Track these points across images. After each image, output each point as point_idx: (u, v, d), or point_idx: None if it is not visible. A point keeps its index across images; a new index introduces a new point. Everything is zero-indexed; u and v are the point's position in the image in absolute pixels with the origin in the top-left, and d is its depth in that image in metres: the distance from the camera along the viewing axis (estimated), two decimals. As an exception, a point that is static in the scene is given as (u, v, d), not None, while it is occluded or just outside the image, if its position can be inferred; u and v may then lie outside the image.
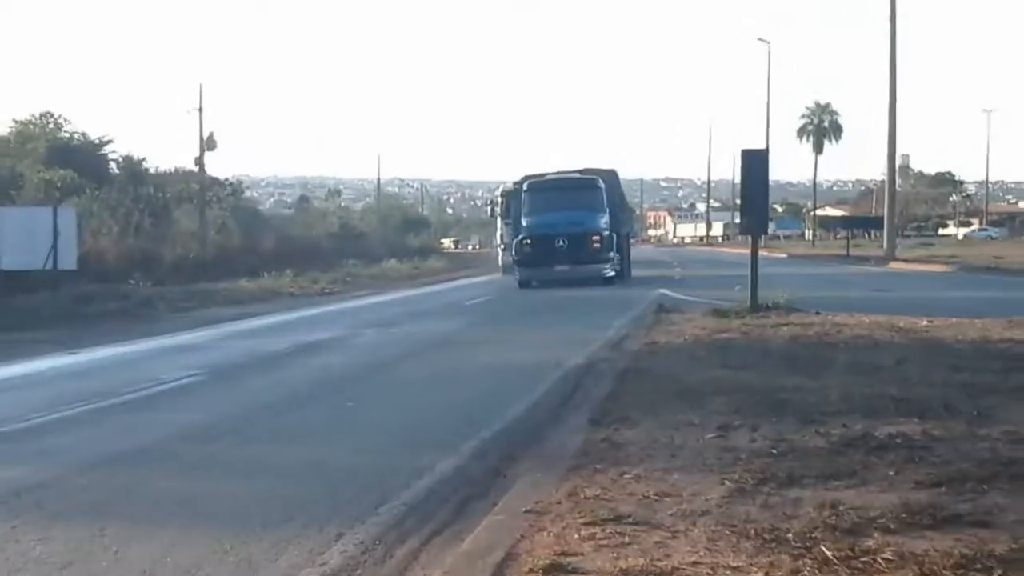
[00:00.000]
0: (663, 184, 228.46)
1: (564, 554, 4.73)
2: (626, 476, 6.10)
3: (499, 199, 35.52)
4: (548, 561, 4.60)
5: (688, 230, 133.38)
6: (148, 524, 5.74)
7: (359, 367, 13.04)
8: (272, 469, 7.17)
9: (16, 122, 46.44)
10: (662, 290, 24.55)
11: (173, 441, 8.20)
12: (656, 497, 5.61)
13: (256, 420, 9.26)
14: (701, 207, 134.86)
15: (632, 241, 42.17)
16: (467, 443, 7.73)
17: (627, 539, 4.90)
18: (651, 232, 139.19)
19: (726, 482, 5.80)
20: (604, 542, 4.87)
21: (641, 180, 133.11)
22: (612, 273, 29.13)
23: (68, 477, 6.95)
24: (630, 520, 5.19)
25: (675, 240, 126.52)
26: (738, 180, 24.79)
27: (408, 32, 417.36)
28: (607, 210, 29.82)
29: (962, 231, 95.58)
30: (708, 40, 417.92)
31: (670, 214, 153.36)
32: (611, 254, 29.24)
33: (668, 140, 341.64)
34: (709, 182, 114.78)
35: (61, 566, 5.13)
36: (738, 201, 25.33)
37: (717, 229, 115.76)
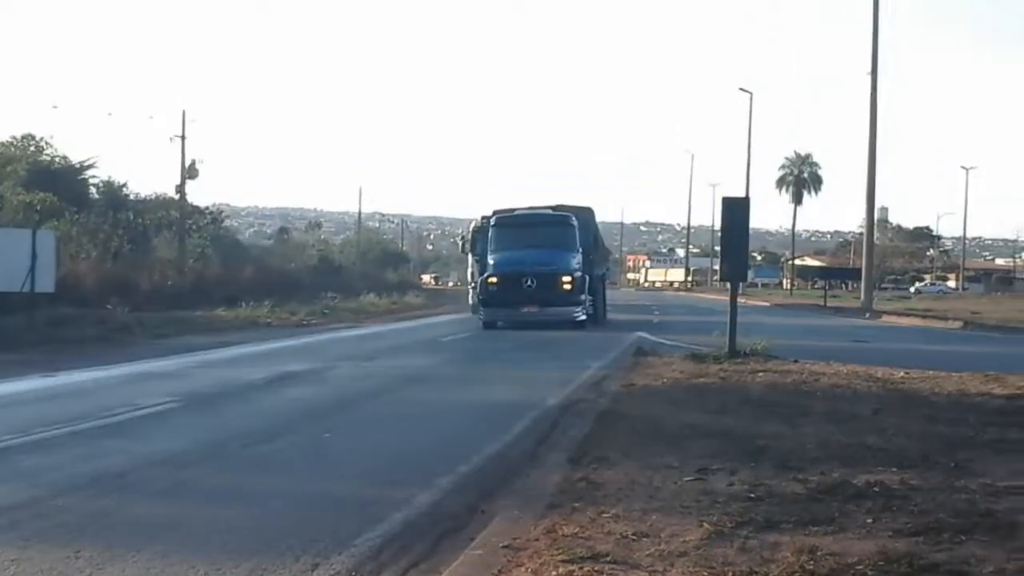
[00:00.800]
0: (643, 228, 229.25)
1: (542, 591, 4.74)
2: (604, 515, 6.11)
3: (469, 234, 34.69)
4: (526, 597, 4.61)
5: (659, 275, 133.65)
6: (123, 548, 5.69)
7: (335, 399, 13.00)
8: (248, 497, 7.13)
9: (-4, 143, 46.11)
10: (640, 333, 24.60)
11: (149, 466, 8.14)
12: (634, 537, 5.62)
13: (232, 448, 9.20)
14: (680, 252, 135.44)
15: (609, 283, 41.64)
16: (445, 478, 7.72)
17: (605, 578, 4.91)
18: (630, 276, 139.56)
19: (704, 524, 5.81)
20: (582, 580, 4.87)
21: (621, 224, 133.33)
22: (583, 317, 27.60)
23: (43, 499, 6.89)
24: (608, 559, 5.20)
25: (647, 284, 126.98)
26: (717, 226, 24.91)
27: (392, 67, 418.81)
28: (579, 250, 28.22)
29: (915, 286, 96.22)
30: (691, 87, 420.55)
31: (649, 258, 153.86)
32: (582, 296, 27.75)
33: (649, 185, 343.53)
34: (688, 228, 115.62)
35: (34, 588, 5.09)
36: (717, 247, 25.49)
37: (682, 275, 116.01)
